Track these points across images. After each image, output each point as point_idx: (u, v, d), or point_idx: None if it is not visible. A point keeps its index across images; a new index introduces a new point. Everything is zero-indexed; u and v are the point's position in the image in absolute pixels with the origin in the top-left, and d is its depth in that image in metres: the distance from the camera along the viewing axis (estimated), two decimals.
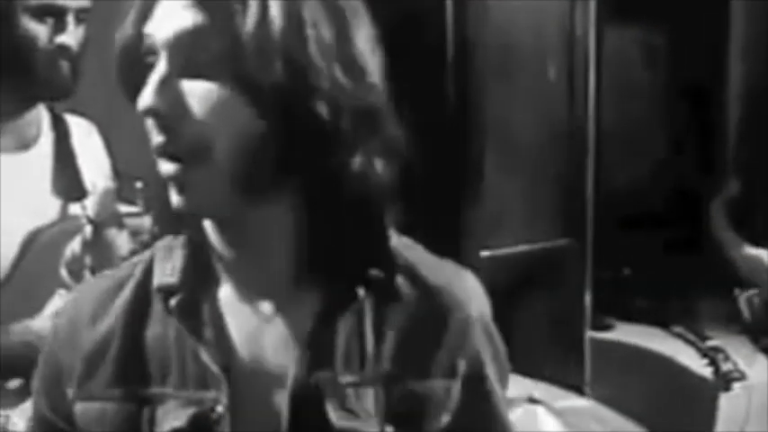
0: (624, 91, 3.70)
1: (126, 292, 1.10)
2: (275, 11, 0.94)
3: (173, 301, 1.05)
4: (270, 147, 0.96)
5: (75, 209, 2.06)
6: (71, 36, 1.92)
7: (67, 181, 2.05)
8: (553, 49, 3.23)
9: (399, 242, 1.11)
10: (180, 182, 0.98)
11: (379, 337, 1.05)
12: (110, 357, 1.07)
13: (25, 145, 2.01)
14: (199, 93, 0.95)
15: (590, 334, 3.07)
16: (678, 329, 3.21)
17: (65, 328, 1.12)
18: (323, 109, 0.95)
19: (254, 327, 1.05)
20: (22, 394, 1.96)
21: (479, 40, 2.96)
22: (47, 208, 2.02)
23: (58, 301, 2.02)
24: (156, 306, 1.07)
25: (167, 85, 0.96)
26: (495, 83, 3.00)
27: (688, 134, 3.84)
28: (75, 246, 2.06)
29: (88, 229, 2.09)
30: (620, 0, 3.47)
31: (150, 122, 0.98)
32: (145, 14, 0.99)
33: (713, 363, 2.95)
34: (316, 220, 1.03)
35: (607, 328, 3.32)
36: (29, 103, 2.00)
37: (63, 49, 1.91)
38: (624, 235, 3.51)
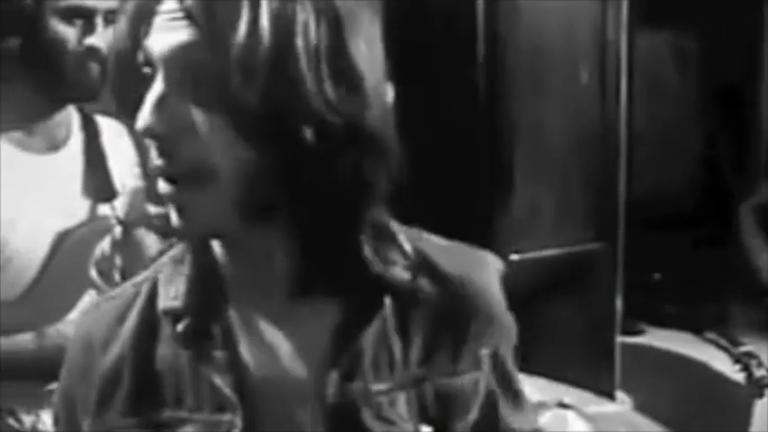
0: (655, 93, 3.68)
1: (133, 315, 1.08)
2: (265, 22, 0.90)
3: (179, 327, 1.03)
4: (265, 170, 0.93)
5: (104, 209, 2.07)
6: (100, 38, 1.92)
7: (97, 181, 2.06)
8: (585, 52, 3.21)
9: (409, 235, 1.08)
10: (178, 203, 0.96)
11: (405, 339, 1.04)
12: (122, 385, 1.05)
13: (55, 146, 2.01)
14: (196, 114, 0.93)
15: (621, 339, 3.05)
16: (710, 335, 3.18)
17: (76, 358, 1.10)
18: (311, 131, 0.92)
19: (268, 344, 1.03)
20: (46, 392, 1.97)
21: (510, 42, 2.95)
22: (76, 208, 2.02)
23: (87, 301, 2.02)
24: (165, 328, 1.05)
25: (164, 105, 0.93)
26: (526, 85, 2.99)
27: (720, 136, 3.81)
28: (104, 246, 2.06)
29: (118, 230, 2.10)
30: (651, 3, 3.45)
31: (148, 142, 0.96)
32: (141, 22, 0.96)
33: (746, 368, 2.92)
34: (319, 235, 1.00)
35: (638, 332, 3.29)
36: (58, 105, 2.00)
37: (92, 50, 1.91)
38: (656, 238, 3.49)
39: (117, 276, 2.12)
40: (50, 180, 1.98)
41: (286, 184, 0.94)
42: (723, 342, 3.11)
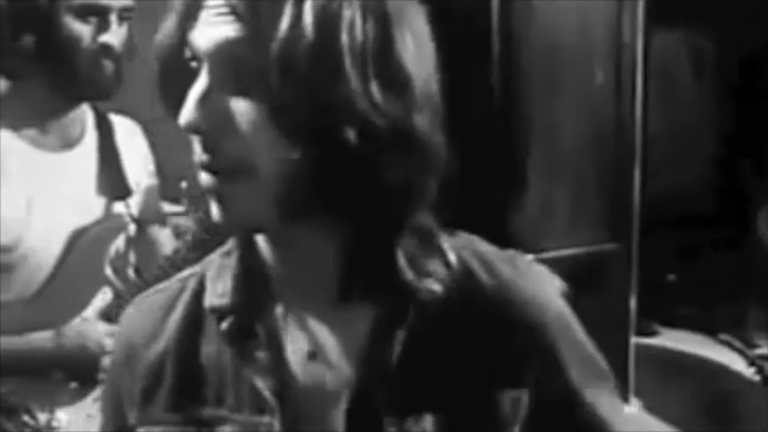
0: (671, 93, 3.66)
1: (179, 310, 1.07)
2: (309, 18, 0.88)
3: (224, 325, 1.02)
4: (306, 170, 0.90)
5: (119, 207, 2.07)
6: (114, 35, 1.92)
7: (112, 179, 2.06)
8: (600, 51, 3.20)
9: (460, 242, 1.05)
10: (219, 195, 0.94)
11: (431, 353, 1.00)
12: (166, 379, 1.05)
13: (69, 144, 2.02)
14: (239, 110, 0.92)
15: (635, 339, 3.04)
16: (724, 337, 3.16)
17: (122, 349, 1.10)
18: (354, 132, 0.89)
19: (310, 345, 1.01)
20: (79, 396, 1.98)
21: (525, 41, 2.95)
22: (91, 206, 2.03)
23: (101, 300, 2.03)
24: (210, 325, 1.04)
25: (208, 100, 0.92)
26: (541, 85, 2.98)
27: (736, 136, 3.79)
28: (119, 244, 2.07)
29: (132, 228, 2.10)
30: (667, 2, 3.44)
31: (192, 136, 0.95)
32: (188, 18, 0.94)
33: (760, 371, 2.90)
34: (360, 238, 0.98)
35: (652, 333, 3.28)
36: (72, 103, 2.01)
37: (106, 48, 1.92)
38: (670, 239, 3.47)
39: (131, 274, 2.13)
40: (65, 178, 1.98)
41: (326, 185, 0.92)
42: (737, 344, 3.09)
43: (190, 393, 1.03)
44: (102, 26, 1.92)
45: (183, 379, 1.04)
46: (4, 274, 1.93)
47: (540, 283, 1.06)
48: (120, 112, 2.15)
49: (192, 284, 1.08)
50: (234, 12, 0.90)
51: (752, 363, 2.94)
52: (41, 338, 1.93)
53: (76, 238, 1.99)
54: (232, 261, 1.05)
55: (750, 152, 3.75)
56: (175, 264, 2.01)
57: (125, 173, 2.08)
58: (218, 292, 1.04)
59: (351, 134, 0.88)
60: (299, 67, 0.87)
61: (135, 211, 2.10)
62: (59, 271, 1.97)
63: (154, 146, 2.23)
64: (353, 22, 0.89)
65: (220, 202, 0.95)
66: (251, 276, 1.03)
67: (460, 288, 1.02)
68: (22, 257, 1.92)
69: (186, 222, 3.08)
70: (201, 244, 2.02)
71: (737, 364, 2.98)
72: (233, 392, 1.01)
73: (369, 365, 0.99)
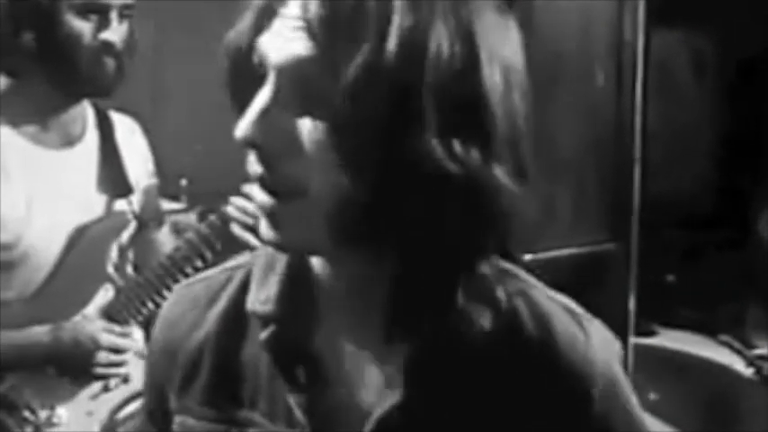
0: (671, 94, 3.66)
1: (221, 304, 1.04)
2: (393, 45, 0.81)
3: (264, 334, 0.98)
4: (362, 199, 0.84)
5: (121, 205, 2.08)
6: (115, 33, 1.92)
7: (113, 177, 2.07)
8: (600, 53, 3.20)
9: (509, 285, 0.99)
10: (271, 214, 0.90)
11: (472, 390, 0.96)
12: (203, 372, 1.03)
13: (70, 141, 2.02)
14: (300, 129, 0.86)
15: (634, 340, 3.04)
16: (724, 337, 3.17)
17: (163, 334, 1.08)
18: (423, 175, 0.83)
19: (351, 367, 0.98)
20: (74, 391, 1.99)
21: (525, 42, 2.95)
22: (93, 204, 2.04)
23: (102, 296, 2.04)
24: (251, 326, 1.01)
25: (269, 115, 0.87)
26: (541, 85, 2.98)
27: (737, 137, 3.79)
28: (121, 241, 2.08)
29: (133, 225, 2.11)
30: (668, 3, 3.44)
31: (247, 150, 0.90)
32: (262, 22, 0.89)
33: (759, 371, 2.91)
34: (415, 276, 0.93)
35: (651, 334, 3.29)
36: (73, 100, 2.01)
37: (107, 45, 1.92)
38: (670, 239, 3.48)
39: (130, 271, 2.14)
40: (66, 175, 1.99)
41: (382, 216, 0.85)
42: (736, 344, 3.10)
43: (225, 391, 1.01)
44: (103, 23, 1.92)
45: (219, 375, 1.02)
46: (5, 272, 1.93)
47: (596, 347, 0.98)
48: (119, 109, 2.15)
49: (238, 278, 1.05)
50: (309, 30, 0.84)
51: (751, 363, 2.95)
52: (38, 333, 1.94)
53: (78, 235, 1.99)
54: (280, 265, 1.01)
55: (750, 153, 3.76)
56: (177, 263, 2.02)
57: (126, 171, 2.08)
58: (262, 298, 1.00)
59: (418, 175, 0.83)
60: (373, 95, 0.81)
61: (137, 209, 2.10)
62: (60, 269, 1.97)
63: (153, 143, 2.23)
64: (440, 56, 0.82)
65: (273, 223, 0.90)
66: (298, 287, 0.99)
67: (505, 337, 0.96)
68: (22, 255, 1.93)
69: (185, 219, 3.08)
70: (205, 242, 2.02)
71: (737, 364, 2.99)
72: (267, 398, 0.99)
73: (402, 394, 0.94)
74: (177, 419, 1.04)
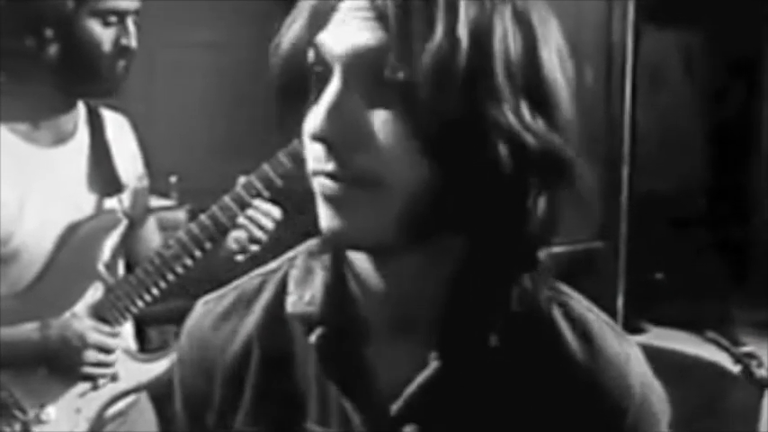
0: (661, 93, 3.67)
1: (256, 313, 1.01)
2: (463, 28, 0.81)
3: (313, 337, 0.95)
4: (438, 187, 0.84)
5: (111, 203, 2.07)
6: (132, 38, 1.93)
7: (103, 175, 2.06)
8: (590, 52, 3.21)
9: (552, 294, 0.98)
10: (339, 201, 0.86)
11: (508, 394, 0.95)
12: (248, 386, 1.00)
13: (62, 139, 2.02)
14: (375, 122, 0.84)
15: None
16: (711, 335, 3.18)
17: (193, 351, 1.04)
18: (504, 151, 0.83)
19: (403, 370, 0.94)
20: (48, 382, 1.98)
21: None
22: (83, 202, 2.03)
23: (92, 294, 2.03)
24: (294, 332, 0.99)
25: (340, 110, 0.84)
26: None
27: (727, 136, 3.80)
28: (112, 239, 2.07)
29: (124, 223, 2.11)
30: (657, 3, 3.45)
31: (312, 144, 0.87)
32: (318, 20, 0.87)
33: (746, 369, 2.92)
34: (478, 268, 0.92)
35: (639, 331, 3.30)
36: (74, 101, 2.01)
37: (124, 50, 1.93)
38: (658, 237, 3.49)
39: (121, 270, 2.13)
40: (58, 173, 1.99)
41: (458, 204, 0.85)
42: (724, 342, 3.11)
43: (273, 402, 0.98)
44: (122, 29, 1.92)
45: (265, 387, 0.99)
46: None
47: (633, 361, 0.98)
48: (109, 106, 2.15)
49: (274, 281, 1.03)
50: (379, 18, 0.83)
51: (738, 360, 2.96)
52: (27, 330, 1.93)
53: (69, 233, 1.99)
54: (321, 266, 0.98)
55: (740, 152, 3.77)
56: (167, 261, 2.02)
57: (116, 168, 2.08)
58: (306, 300, 0.97)
59: (499, 151, 0.83)
60: (453, 80, 0.81)
61: (127, 206, 2.10)
62: (51, 266, 1.97)
63: (143, 140, 2.23)
64: (506, 36, 0.83)
65: (339, 209, 0.86)
66: (342, 287, 0.96)
67: (545, 345, 0.96)
68: (13, 252, 1.92)
69: (173, 216, 3.06)
70: (195, 241, 2.02)
71: (724, 362, 3.00)
72: (318, 405, 0.97)
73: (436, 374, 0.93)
74: None
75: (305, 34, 0.88)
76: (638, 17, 3.29)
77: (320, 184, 0.87)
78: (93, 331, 1.95)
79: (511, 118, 0.82)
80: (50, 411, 1.97)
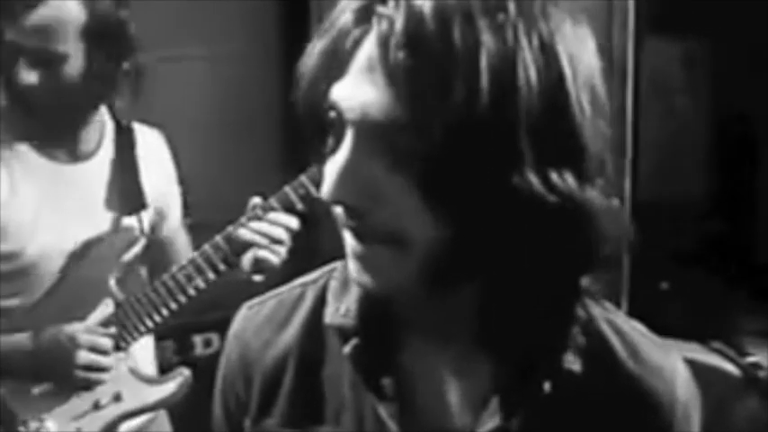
0: (663, 100, 3.67)
1: (297, 322, 1.03)
2: (485, 82, 0.77)
3: (348, 348, 0.96)
4: (457, 243, 0.83)
5: (129, 221, 2.05)
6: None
7: (126, 193, 2.05)
8: None
9: (597, 314, 0.98)
10: (364, 258, 0.87)
11: (564, 416, 0.94)
12: (283, 392, 1.01)
13: (83, 156, 2.01)
14: (388, 182, 0.83)
15: None
16: (716, 344, 3.17)
17: (237, 352, 1.06)
18: (521, 208, 0.80)
19: (437, 383, 0.96)
20: (47, 399, 1.96)
21: None
22: (100, 219, 2.02)
23: (101, 311, 2.00)
24: (331, 342, 1.00)
25: (352, 173, 0.83)
26: None
27: (731, 143, 3.80)
28: (127, 257, 2.05)
29: (142, 242, 2.08)
30: (659, 13, 3.45)
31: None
32: (333, 66, 0.85)
33: (753, 378, 2.91)
34: (509, 307, 0.92)
35: None
36: (88, 111, 2.00)
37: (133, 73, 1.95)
38: (663, 246, 3.48)
39: (142, 287, 2.09)
40: (74, 190, 1.98)
41: (479, 256, 0.85)
42: (729, 352, 3.10)
43: (308, 410, 0.99)
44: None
45: (301, 394, 1.00)
46: (9, 281, 1.93)
47: (679, 375, 0.98)
48: (144, 122, 2.14)
49: (311, 297, 1.04)
50: (392, 79, 0.80)
51: (744, 371, 2.95)
52: (21, 338, 1.93)
53: (83, 249, 1.98)
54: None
55: (745, 160, 3.77)
56: (179, 282, 1.98)
57: (142, 186, 2.06)
58: (342, 311, 0.98)
59: (517, 212, 0.80)
60: (471, 139, 0.78)
61: (147, 225, 2.07)
62: (63, 281, 1.97)
63: (177, 160, 2.21)
64: (529, 82, 0.79)
65: (363, 265, 0.88)
66: (378, 300, 0.96)
67: (596, 364, 0.95)
68: (27, 265, 1.93)
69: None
70: (209, 263, 1.98)
71: (731, 370, 2.98)
72: (353, 415, 0.97)
73: (501, 417, 0.93)
74: None
75: (322, 77, 0.86)
76: (639, 27, 3.29)
77: (347, 239, 0.88)
78: (83, 332, 1.93)
79: (534, 182, 0.80)
80: (50, 425, 1.96)
